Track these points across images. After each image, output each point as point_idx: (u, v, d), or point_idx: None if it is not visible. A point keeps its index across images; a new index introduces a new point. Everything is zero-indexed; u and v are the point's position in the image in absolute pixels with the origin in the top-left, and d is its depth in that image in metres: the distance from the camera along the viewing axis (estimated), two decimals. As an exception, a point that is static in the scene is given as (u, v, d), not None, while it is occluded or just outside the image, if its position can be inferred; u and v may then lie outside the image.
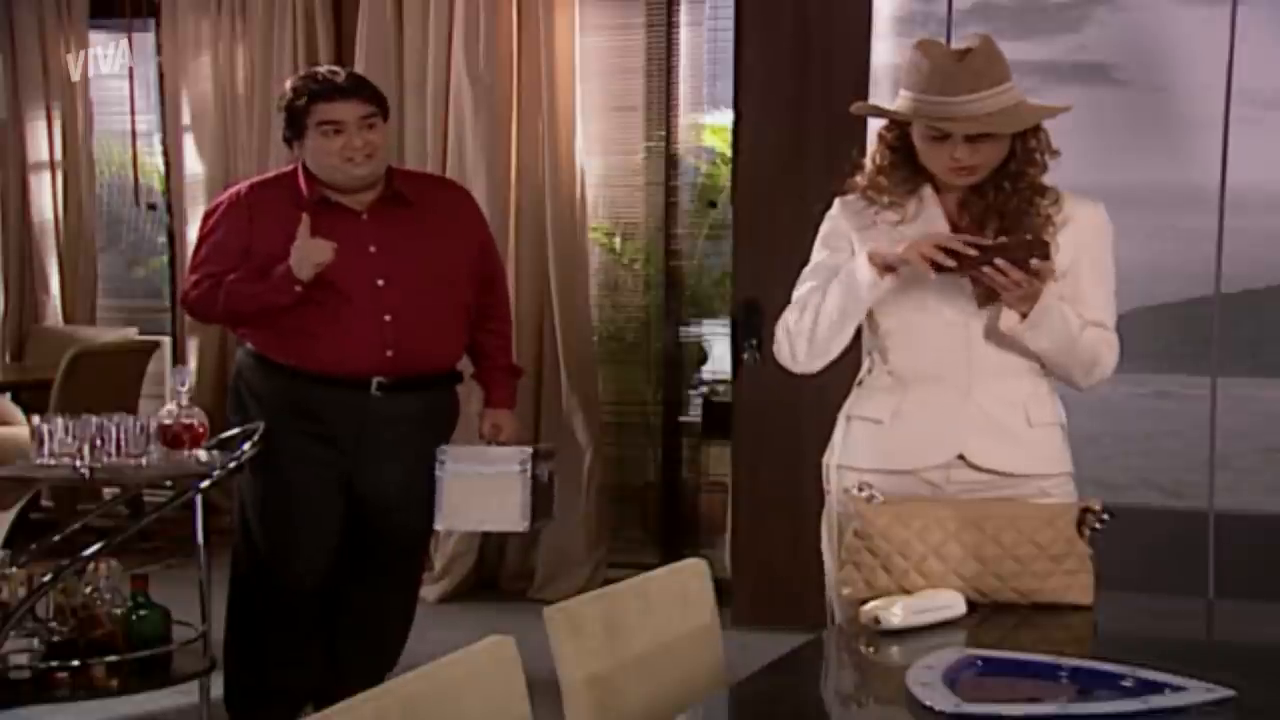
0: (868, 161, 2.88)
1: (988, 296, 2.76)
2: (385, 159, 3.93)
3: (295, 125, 3.82)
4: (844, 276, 2.80)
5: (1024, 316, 2.73)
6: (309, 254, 3.72)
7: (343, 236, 3.79)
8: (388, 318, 3.83)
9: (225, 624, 4.05)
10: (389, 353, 3.83)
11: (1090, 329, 2.81)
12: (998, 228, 2.77)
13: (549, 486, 4.05)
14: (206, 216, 4.00)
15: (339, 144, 3.77)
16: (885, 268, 2.74)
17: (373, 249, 3.84)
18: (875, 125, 3.00)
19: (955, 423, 2.81)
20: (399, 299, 3.83)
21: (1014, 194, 2.77)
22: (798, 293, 2.90)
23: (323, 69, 4.04)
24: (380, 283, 3.83)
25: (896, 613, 2.45)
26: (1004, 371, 2.82)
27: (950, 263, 2.66)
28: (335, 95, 3.81)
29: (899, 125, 2.82)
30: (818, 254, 2.92)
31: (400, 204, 3.90)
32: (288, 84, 3.95)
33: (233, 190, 4.05)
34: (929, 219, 2.81)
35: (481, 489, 3.89)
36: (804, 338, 2.84)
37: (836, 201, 2.92)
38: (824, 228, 2.93)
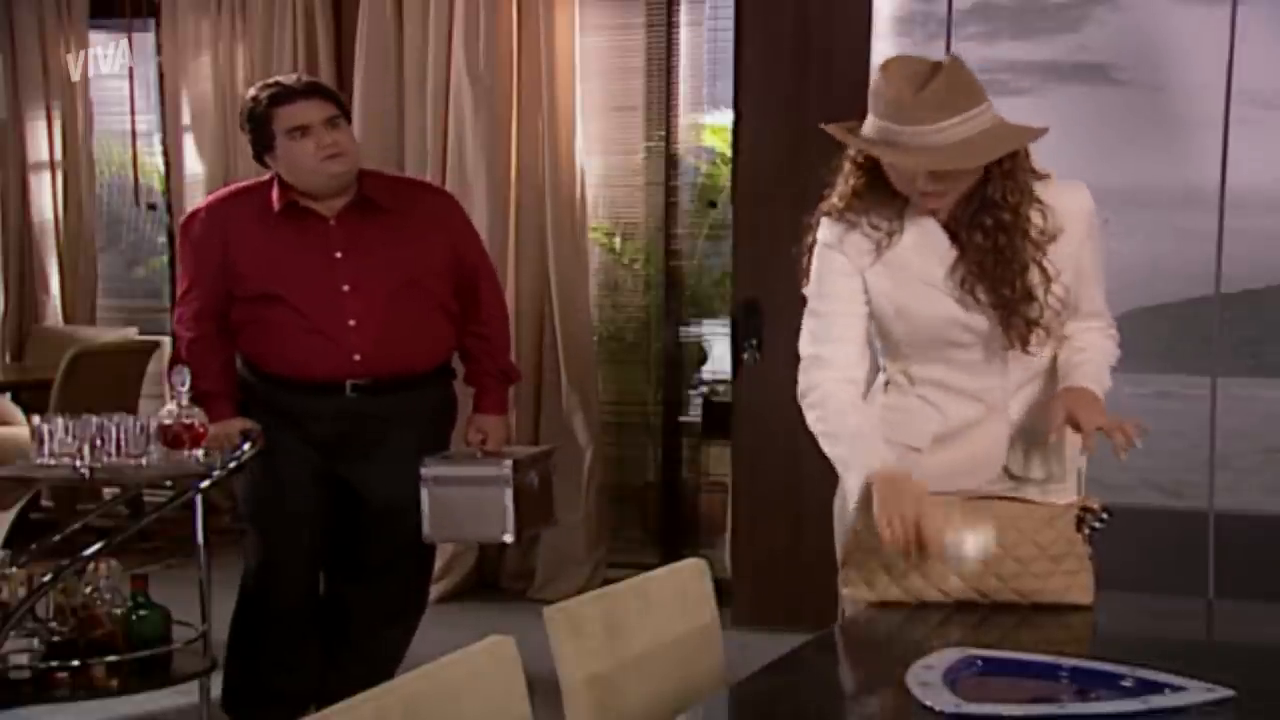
0: (840, 180, 2.81)
1: (1011, 329, 2.74)
2: (356, 160, 3.93)
3: (261, 136, 3.83)
4: (845, 457, 2.74)
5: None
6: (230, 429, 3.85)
7: (309, 243, 3.85)
8: (352, 322, 3.84)
9: (230, 627, 4.06)
10: (356, 357, 3.84)
11: (1101, 347, 2.81)
12: (982, 276, 2.72)
13: (543, 493, 4.03)
14: (184, 228, 4.04)
15: (310, 145, 3.79)
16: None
17: (338, 255, 3.86)
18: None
19: (996, 442, 2.80)
20: (364, 304, 3.84)
21: (1002, 239, 2.70)
22: (807, 326, 2.86)
23: (276, 77, 4.06)
24: (345, 288, 3.84)
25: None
26: (1031, 379, 2.83)
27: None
28: (295, 97, 3.83)
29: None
30: (818, 286, 2.85)
31: (371, 209, 3.90)
32: (245, 96, 3.96)
33: (208, 201, 4.12)
34: (925, 233, 2.77)
35: (464, 501, 3.89)
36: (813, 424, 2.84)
37: (825, 226, 2.84)
38: (819, 257, 2.84)
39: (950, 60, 2.67)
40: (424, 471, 3.89)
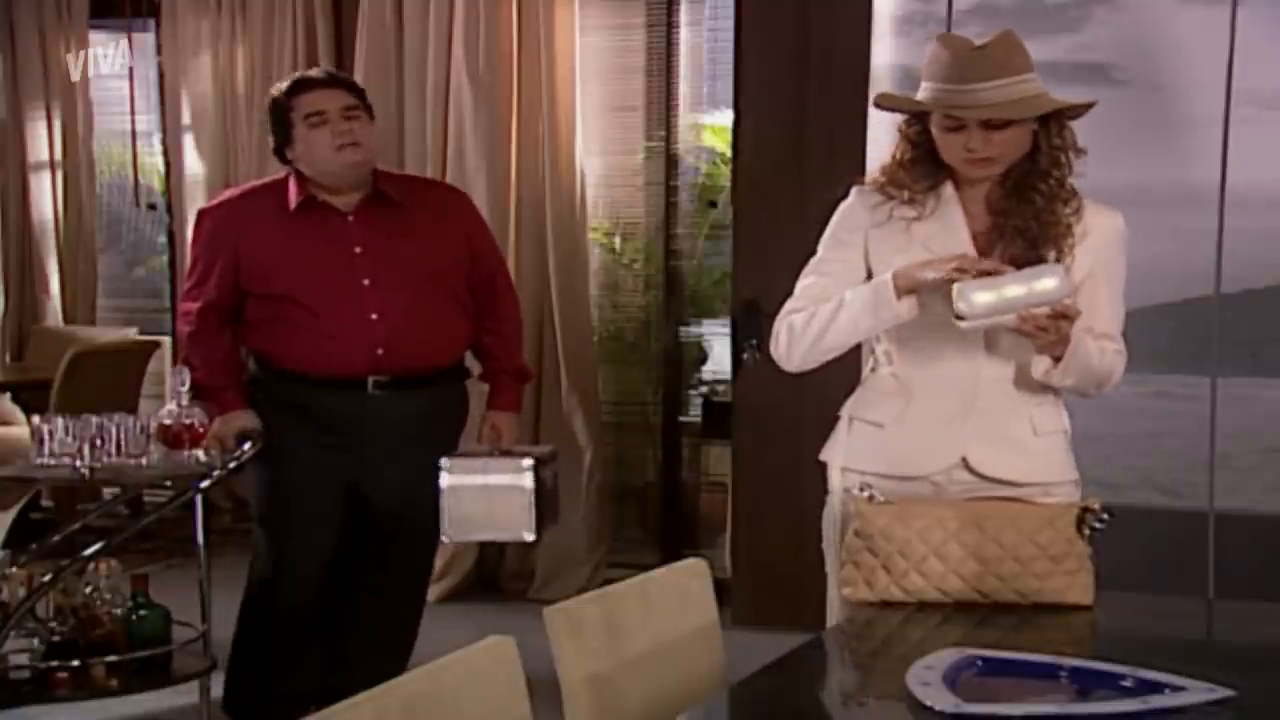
0: (888, 156, 2.85)
1: None
2: (374, 154, 3.96)
3: (282, 126, 3.86)
4: (868, 295, 2.75)
5: (1055, 360, 2.71)
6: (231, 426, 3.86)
7: (329, 237, 3.86)
8: (374, 316, 3.84)
9: (236, 627, 4.06)
10: (379, 351, 3.84)
11: (1105, 348, 2.80)
12: (1023, 236, 2.74)
13: (553, 491, 4.04)
14: (198, 222, 4.04)
15: (326, 134, 3.82)
16: (909, 290, 2.71)
17: (358, 249, 3.87)
18: (875, 125, 3.00)
19: (959, 430, 2.79)
20: (385, 298, 3.84)
21: (1043, 203, 2.73)
22: (801, 284, 2.88)
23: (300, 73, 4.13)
24: (366, 282, 3.85)
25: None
26: (1011, 380, 2.80)
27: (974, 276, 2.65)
28: (315, 86, 3.90)
29: (921, 120, 2.80)
30: (827, 247, 2.88)
31: (387, 205, 3.92)
32: (270, 92, 4.01)
33: (224, 197, 4.13)
34: (947, 217, 2.79)
35: (486, 500, 3.87)
36: (807, 342, 2.82)
37: (853, 192, 2.89)
38: (837, 218, 2.89)
39: (1004, 30, 2.75)
40: (443, 472, 3.87)
